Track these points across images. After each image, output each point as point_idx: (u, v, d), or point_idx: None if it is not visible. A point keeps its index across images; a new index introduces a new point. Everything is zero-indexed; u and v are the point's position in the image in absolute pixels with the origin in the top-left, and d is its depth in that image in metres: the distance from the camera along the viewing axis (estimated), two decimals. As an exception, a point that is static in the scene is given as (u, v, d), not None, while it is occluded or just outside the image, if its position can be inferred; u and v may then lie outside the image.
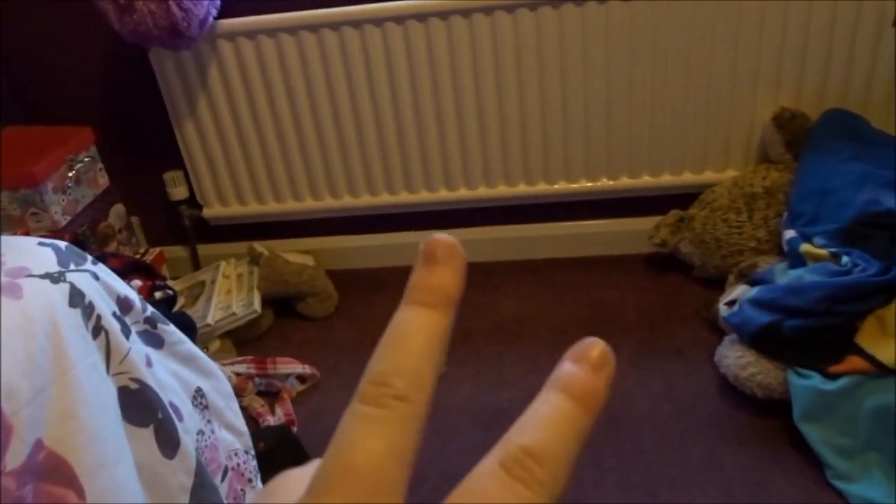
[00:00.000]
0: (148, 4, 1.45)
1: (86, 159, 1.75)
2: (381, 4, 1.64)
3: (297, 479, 0.25)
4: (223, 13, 1.66)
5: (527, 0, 1.59)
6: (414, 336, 0.20)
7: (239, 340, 1.75)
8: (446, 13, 1.62)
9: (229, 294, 1.79)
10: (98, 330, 0.76)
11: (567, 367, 0.20)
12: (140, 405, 0.80)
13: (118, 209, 1.87)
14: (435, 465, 1.37)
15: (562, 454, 0.19)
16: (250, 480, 1.05)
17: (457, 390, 1.54)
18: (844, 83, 1.63)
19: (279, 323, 1.84)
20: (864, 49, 1.59)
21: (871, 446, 1.23)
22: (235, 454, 1.04)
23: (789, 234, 1.50)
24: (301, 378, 1.62)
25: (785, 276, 1.43)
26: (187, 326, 1.40)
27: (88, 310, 0.75)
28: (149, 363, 0.84)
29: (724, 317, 1.46)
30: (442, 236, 0.22)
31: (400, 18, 1.64)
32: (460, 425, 1.45)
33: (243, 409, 1.32)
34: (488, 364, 1.61)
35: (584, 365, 0.20)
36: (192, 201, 1.95)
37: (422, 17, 1.63)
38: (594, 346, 0.20)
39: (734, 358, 1.38)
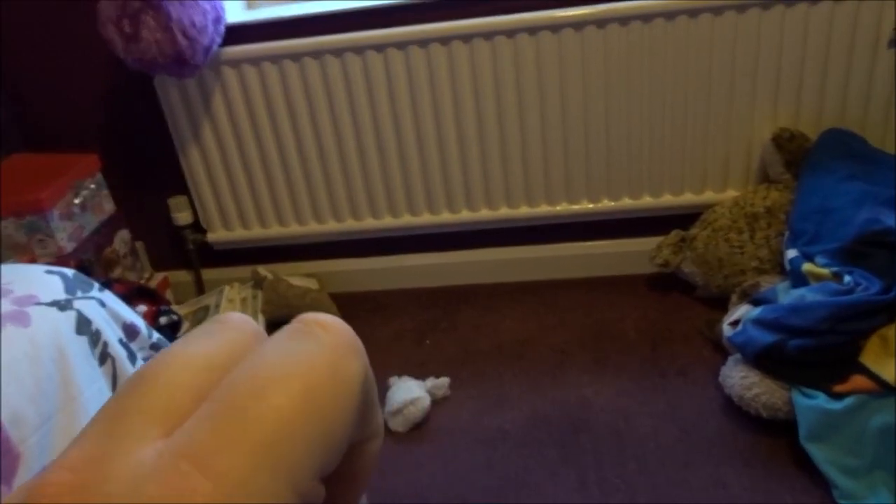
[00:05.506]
0: (154, 34, 1.47)
1: (91, 186, 1.77)
2: (383, 31, 1.66)
3: None
4: (227, 40, 1.68)
5: (526, 25, 1.62)
6: None
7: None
8: (447, 38, 1.64)
9: (233, 318, 1.79)
10: (104, 357, 0.77)
11: None
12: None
13: (123, 235, 1.88)
14: (437, 486, 1.37)
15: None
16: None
17: (459, 411, 1.54)
18: (842, 103, 1.65)
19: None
20: (861, 69, 1.60)
21: (877, 465, 1.23)
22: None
23: (791, 253, 1.51)
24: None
25: (788, 295, 1.43)
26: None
27: (95, 337, 0.76)
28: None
29: (728, 336, 1.46)
30: None
31: (402, 44, 1.66)
32: (462, 446, 1.45)
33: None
34: (490, 385, 1.61)
35: None
36: (197, 226, 1.96)
37: (423, 42, 1.65)
38: None
39: (738, 378, 1.38)
